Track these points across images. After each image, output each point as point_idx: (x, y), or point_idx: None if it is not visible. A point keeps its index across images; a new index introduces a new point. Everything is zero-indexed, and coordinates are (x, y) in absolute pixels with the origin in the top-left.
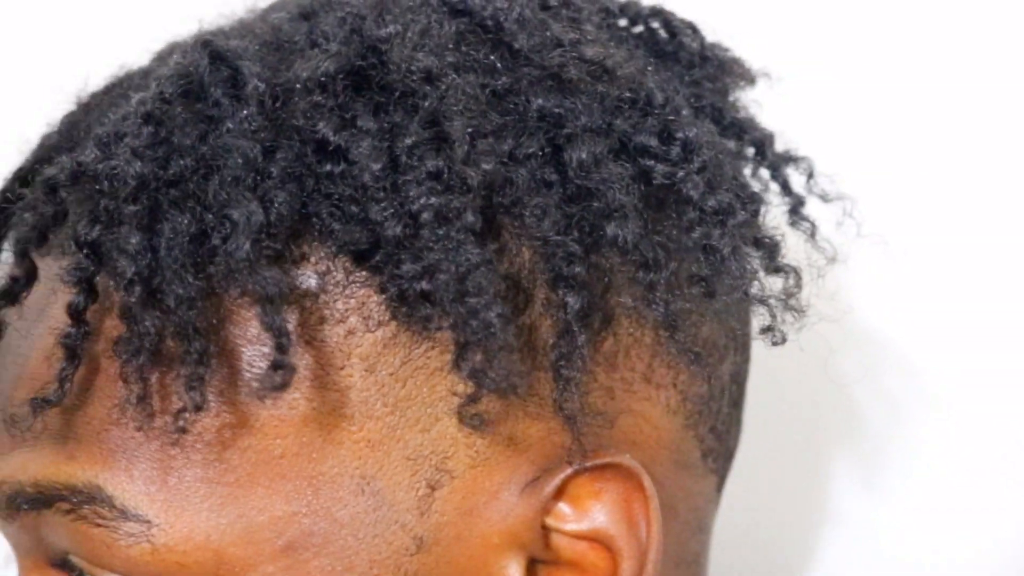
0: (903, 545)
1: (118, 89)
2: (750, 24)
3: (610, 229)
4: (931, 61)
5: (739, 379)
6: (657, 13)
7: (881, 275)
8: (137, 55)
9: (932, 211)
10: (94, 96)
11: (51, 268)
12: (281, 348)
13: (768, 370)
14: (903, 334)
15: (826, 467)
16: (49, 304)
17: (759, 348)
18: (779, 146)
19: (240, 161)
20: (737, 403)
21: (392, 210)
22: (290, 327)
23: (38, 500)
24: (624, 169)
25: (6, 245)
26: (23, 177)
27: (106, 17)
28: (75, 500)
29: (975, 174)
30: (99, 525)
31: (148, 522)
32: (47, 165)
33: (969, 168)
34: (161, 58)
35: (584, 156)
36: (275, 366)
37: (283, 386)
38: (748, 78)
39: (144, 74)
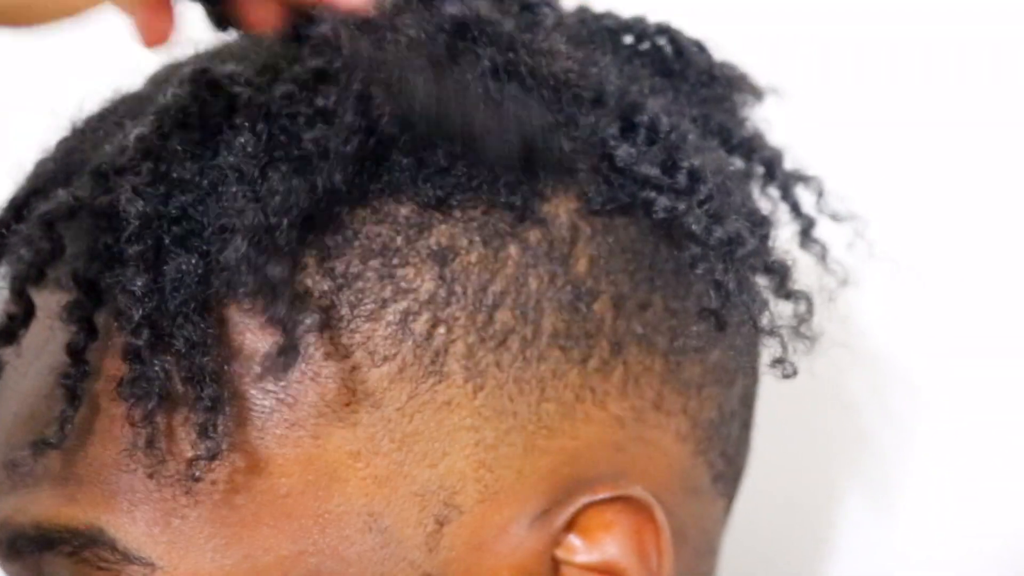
0: (911, 565)
1: (113, 114)
2: (758, 39)
3: None
4: (942, 81)
5: (748, 401)
6: (664, 31)
7: (890, 295)
8: (132, 76)
9: (942, 230)
10: (89, 121)
11: (49, 303)
12: (288, 333)
13: (775, 390)
14: (912, 354)
15: (834, 487)
16: (47, 341)
17: (766, 368)
18: (787, 164)
19: (236, 178)
20: (746, 425)
21: None
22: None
23: (39, 542)
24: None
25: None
26: (17, 208)
27: (100, 39)
28: (77, 543)
29: (987, 193)
30: (101, 568)
31: (152, 565)
32: (42, 196)
33: (981, 187)
34: (156, 81)
35: None
36: (281, 351)
37: (286, 368)
38: (757, 95)
39: (139, 99)
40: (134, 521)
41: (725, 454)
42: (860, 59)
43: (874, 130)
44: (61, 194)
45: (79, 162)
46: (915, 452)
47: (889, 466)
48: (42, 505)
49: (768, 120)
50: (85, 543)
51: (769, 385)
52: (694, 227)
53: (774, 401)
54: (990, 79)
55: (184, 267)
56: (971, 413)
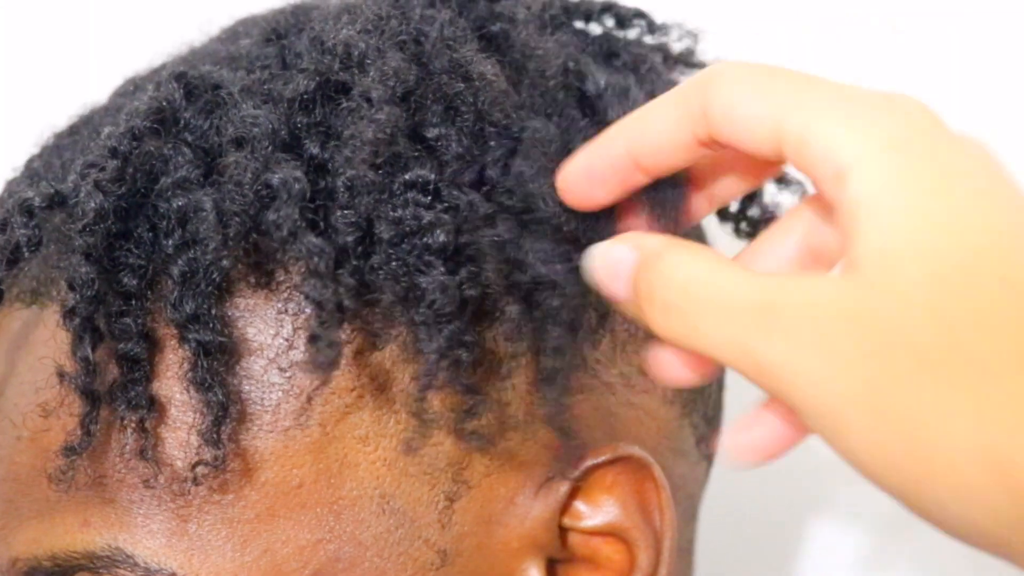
0: (899, 535)
1: (83, 129)
2: (751, 21)
3: None
4: (943, 60)
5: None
6: (608, 8)
7: None
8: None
9: None
10: (59, 137)
11: (12, 321)
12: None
13: None
14: None
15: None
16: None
17: None
18: None
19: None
20: (721, 386)
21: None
22: (296, 350)
23: (56, 573)
24: None
25: None
26: None
27: (71, 49)
28: (95, 567)
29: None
30: None
31: (173, 574)
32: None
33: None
34: (123, 94)
35: (523, 170)
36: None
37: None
38: (694, 66)
39: (108, 111)
40: (151, 534)
41: (706, 416)
42: (853, 38)
43: None
44: (44, 185)
45: (59, 167)
46: None
47: None
48: (55, 534)
49: None
50: (104, 566)
51: None
52: None
53: None
54: (988, 60)
55: (195, 269)
56: None
